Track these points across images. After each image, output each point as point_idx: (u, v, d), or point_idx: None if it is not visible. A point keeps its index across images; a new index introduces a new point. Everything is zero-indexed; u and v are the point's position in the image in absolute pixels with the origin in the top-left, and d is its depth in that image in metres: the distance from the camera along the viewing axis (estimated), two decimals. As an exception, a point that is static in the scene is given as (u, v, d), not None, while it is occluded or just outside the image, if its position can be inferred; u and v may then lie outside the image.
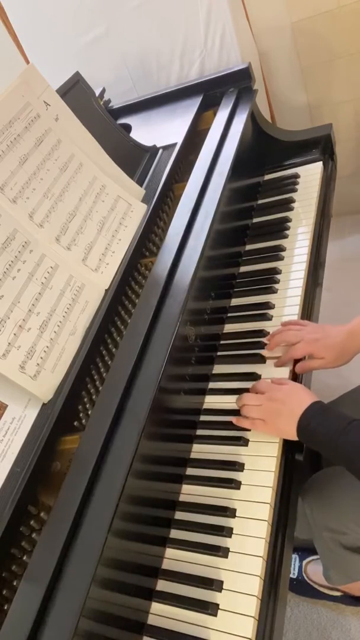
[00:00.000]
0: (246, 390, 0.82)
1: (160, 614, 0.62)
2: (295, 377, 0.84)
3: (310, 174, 1.16)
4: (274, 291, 0.96)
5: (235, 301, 0.99)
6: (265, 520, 0.66)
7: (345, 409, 0.87)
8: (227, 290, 0.99)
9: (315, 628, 1.06)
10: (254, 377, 0.84)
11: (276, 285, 0.96)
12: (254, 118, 1.14)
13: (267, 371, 0.84)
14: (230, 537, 0.66)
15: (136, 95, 1.38)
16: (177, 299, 0.73)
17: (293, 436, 0.71)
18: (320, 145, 1.20)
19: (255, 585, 0.61)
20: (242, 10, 1.31)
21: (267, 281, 0.98)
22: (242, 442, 0.75)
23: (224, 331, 0.94)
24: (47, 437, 0.63)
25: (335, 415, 0.68)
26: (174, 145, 1.02)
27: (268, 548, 0.65)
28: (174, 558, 0.67)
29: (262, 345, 0.87)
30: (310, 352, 0.82)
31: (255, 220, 1.14)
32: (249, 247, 1.08)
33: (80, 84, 1.01)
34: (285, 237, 1.05)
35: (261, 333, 0.89)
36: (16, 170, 0.75)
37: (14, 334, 0.67)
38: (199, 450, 0.78)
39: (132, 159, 1.02)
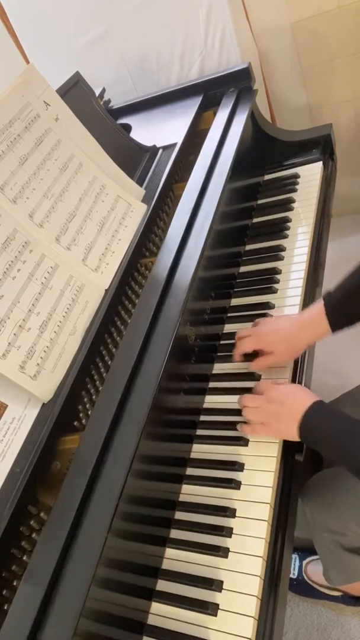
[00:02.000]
0: (246, 390, 0.83)
1: (160, 614, 0.62)
2: (294, 378, 0.84)
3: (310, 174, 1.16)
4: (274, 291, 0.96)
5: (235, 301, 0.99)
6: (265, 520, 0.66)
7: (346, 409, 0.87)
8: (227, 290, 0.99)
9: (315, 628, 1.06)
10: (254, 377, 0.84)
11: (276, 285, 0.96)
12: (254, 118, 1.14)
13: (267, 371, 0.84)
14: (230, 537, 0.66)
15: (136, 95, 1.38)
16: (177, 299, 0.73)
17: (294, 437, 0.70)
18: (320, 145, 1.20)
19: (255, 585, 0.61)
20: (242, 10, 1.31)
21: (267, 281, 0.98)
22: (242, 442, 0.75)
23: (224, 331, 0.94)
24: (47, 437, 0.63)
25: (339, 415, 0.67)
26: (174, 145, 1.02)
27: (268, 548, 0.65)
28: (174, 558, 0.67)
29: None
30: (258, 347, 0.81)
31: (255, 220, 1.14)
32: (249, 247, 1.08)
33: (80, 84, 1.01)
34: (285, 237, 1.05)
35: (261, 333, 0.89)
36: (16, 170, 0.75)
37: (14, 334, 0.67)
38: (199, 450, 0.78)
39: (132, 159, 1.02)
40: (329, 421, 0.67)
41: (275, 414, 0.71)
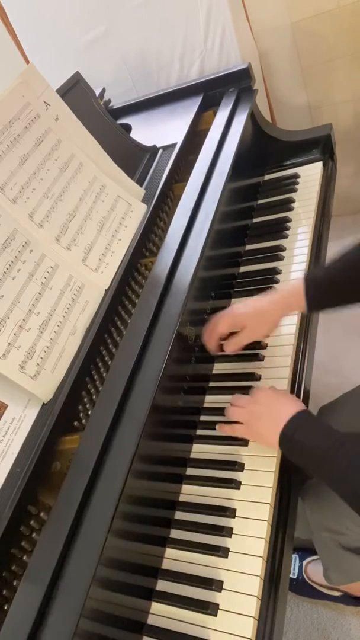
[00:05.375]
0: (246, 389, 0.83)
1: (160, 614, 0.62)
2: (294, 378, 0.84)
3: (310, 174, 1.16)
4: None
5: (235, 301, 0.99)
6: (265, 520, 0.66)
7: (346, 409, 0.87)
8: (227, 290, 0.99)
9: (315, 628, 1.06)
10: (254, 376, 0.84)
11: (276, 286, 0.96)
12: (254, 118, 1.14)
13: (267, 371, 0.84)
14: (230, 537, 0.66)
15: (136, 95, 1.38)
16: (177, 299, 0.73)
17: (272, 444, 0.67)
18: (320, 145, 1.20)
19: (255, 585, 0.61)
20: (242, 10, 1.31)
21: (267, 281, 0.98)
22: (242, 442, 0.75)
23: (224, 331, 0.94)
24: (47, 437, 0.63)
25: (323, 428, 0.64)
26: (174, 145, 1.02)
27: (268, 548, 0.65)
28: (174, 558, 0.67)
29: (262, 345, 0.87)
30: (230, 324, 0.79)
31: (255, 220, 1.14)
32: (249, 247, 1.08)
33: (80, 84, 1.01)
34: (285, 237, 1.05)
35: (261, 333, 0.89)
36: (16, 170, 0.75)
37: (14, 334, 0.67)
38: (199, 450, 0.78)
39: (132, 159, 1.02)
40: (313, 434, 0.64)
41: (257, 415, 0.69)
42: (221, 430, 0.75)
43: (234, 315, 0.79)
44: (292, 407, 0.67)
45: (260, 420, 0.69)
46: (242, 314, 0.79)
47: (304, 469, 0.65)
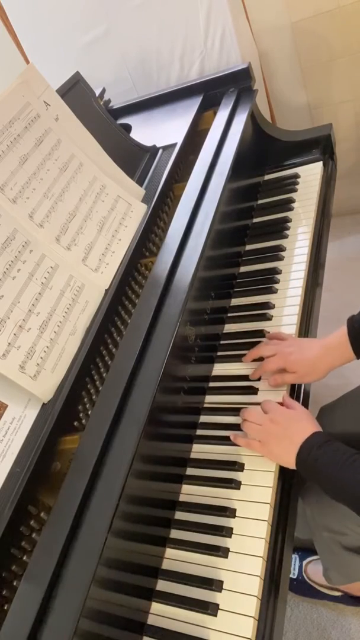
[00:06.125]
0: (246, 389, 0.83)
1: (160, 614, 0.62)
2: (293, 387, 0.84)
3: (310, 174, 1.16)
4: (274, 291, 0.96)
5: (235, 301, 0.99)
6: (265, 520, 0.66)
7: (346, 409, 0.87)
8: (227, 290, 0.99)
9: (315, 628, 1.06)
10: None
11: (276, 285, 0.96)
12: (254, 118, 1.14)
13: (267, 372, 0.83)
14: (230, 537, 0.66)
15: (136, 95, 1.38)
16: (177, 299, 0.73)
17: (289, 464, 0.69)
18: (320, 145, 1.20)
19: (255, 585, 0.61)
20: (242, 10, 1.31)
21: (267, 281, 0.98)
22: (242, 442, 0.75)
23: (224, 331, 0.94)
24: (47, 437, 0.62)
25: (337, 447, 0.65)
26: (174, 145, 1.02)
27: (268, 548, 0.65)
28: (174, 558, 0.67)
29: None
30: (282, 366, 0.80)
31: (255, 220, 1.14)
32: (249, 247, 1.08)
33: (80, 84, 1.01)
34: (285, 237, 1.05)
35: (261, 333, 0.89)
36: (16, 170, 0.75)
37: (14, 334, 0.67)
38: (199, 450, 0.78)
39: (132, 159, 1.02)
40: (328, 453, 0.65)
41: (276, 436, 0.70)
42: (236, 441, 0.75)
43: (287, 360, 0.79)
44: (308, 428, 0.69)
45: (277, 441, 0.70)
46: (295, 362, 0.79)
47: (324, 490, 0.67)
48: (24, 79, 0.79)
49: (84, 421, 0.68)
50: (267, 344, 0.84)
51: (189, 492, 0.73)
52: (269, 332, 0.88)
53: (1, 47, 1.47)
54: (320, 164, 1.17)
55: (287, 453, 0.69)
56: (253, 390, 0.82)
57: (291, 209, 1.10)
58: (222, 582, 0.62)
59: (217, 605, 0.61)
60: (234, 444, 0.75)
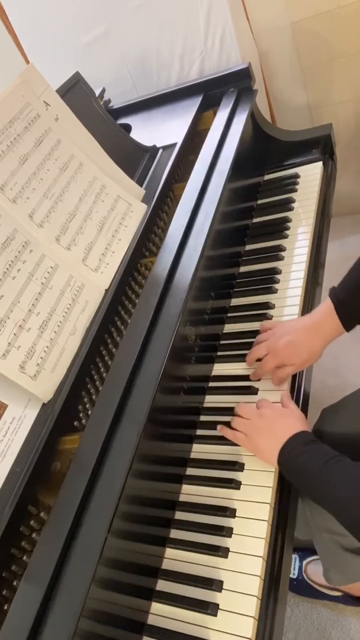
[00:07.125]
0: (246, 389, 0.83)
1: (160, 614, 0.62)
2: (294, 378, 0.84)
3: (310, 174, 1.16)
4: (274, 291, 0.96)
5: (235, 301, 0.99)
6: (265, 520, 0.66)
7: (347, 411, 0.87)
8: (227, 290, 0.99)
9: (315, 628, 1.06)
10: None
11: (276, 285, 0.96)
12: (254, 118, 1.14)
13: (266, 373, 0.83)
14: (230, 537, 0.66)
15: (136, 95, 1.38)
16: (177, 299, 0.73)
17: (270, 459, 0.68)
18: (320, 145, 1.20)
19: (255, 585, 0.61)
20: (242, 10, 1.31)
21: (267, 281, 0.98)
22: (242, 442, 0.75)
23: (224, 331, 0.94)
24: (47, 437, 0.63)
25: (321, 448, 0.65)
26: (174, 145, 1.02)
27: (268, 548, 0.65)
28: (174, 558, 0.67)
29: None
30: (279, 363, 0.80)
31: (255, 220, 1.14)
32: (249, 247, 1.08)
33: (80, 84, 1.01)
34: (285, 237, 1.05)
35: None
36: (16, 170, 0.75)
37: (14, 334, 0.67)
38: (199, 450, 0.78)
39: (132, 159, 1.02)
40: (309, 453, 0.64)
41: (261, 430, 0.70)
42: (221, 432, 0.76)
43: (281, 356, 0.79)
44: (295, 426, 0.68)
45: (261, 435, 0.70)
46: (290, 355, 0.78)
47: (300, 489, 0.67)
48: (24, 79, 0.79)
49: (84, 421, 0.68)
50: (259, 345, 0.83)
51: (189, 492, 0.73)
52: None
53: (1, 47, 1.47)
54: (320, 164, 1.17)
55: (270, 448, 0.68)
56: (253, 390, 0.82)
57: (291, 209, 1.10)
58: (222, 582, 0.62)
59: (217, 605, 0.61)
60: (234, 444, 0.75)
